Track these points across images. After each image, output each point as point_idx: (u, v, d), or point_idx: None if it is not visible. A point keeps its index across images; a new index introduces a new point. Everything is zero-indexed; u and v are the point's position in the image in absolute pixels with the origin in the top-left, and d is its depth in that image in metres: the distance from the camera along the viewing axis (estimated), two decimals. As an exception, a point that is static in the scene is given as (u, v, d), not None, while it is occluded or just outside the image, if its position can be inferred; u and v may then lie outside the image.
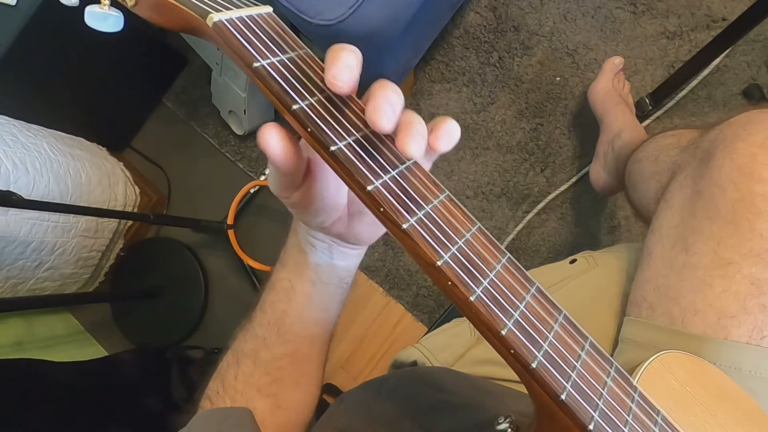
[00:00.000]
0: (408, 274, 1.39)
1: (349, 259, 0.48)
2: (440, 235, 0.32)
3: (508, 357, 0.31)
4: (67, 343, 1.51)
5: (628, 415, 0.34)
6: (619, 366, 0.35)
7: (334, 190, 0.40)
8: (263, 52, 0.34)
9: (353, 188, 0.33)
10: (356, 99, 0.36)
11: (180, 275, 1.54)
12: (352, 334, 1.40)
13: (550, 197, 1.32)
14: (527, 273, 0.34)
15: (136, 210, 1.52)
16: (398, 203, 0.32)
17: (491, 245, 0.33)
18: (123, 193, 1.47)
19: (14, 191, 1.00)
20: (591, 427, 0.31)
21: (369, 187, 0.32)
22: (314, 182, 0.39)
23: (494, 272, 0.32)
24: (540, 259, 1.33)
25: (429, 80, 1.39)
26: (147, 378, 1.39)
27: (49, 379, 1.19)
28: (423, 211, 0.32)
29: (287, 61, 0.35)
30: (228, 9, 0.35)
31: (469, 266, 0.32)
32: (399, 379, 0.62)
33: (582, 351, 0.33)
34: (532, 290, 0.33)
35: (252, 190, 1.49)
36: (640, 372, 0.42)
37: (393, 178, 0.33)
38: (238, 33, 0.34)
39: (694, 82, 1.23)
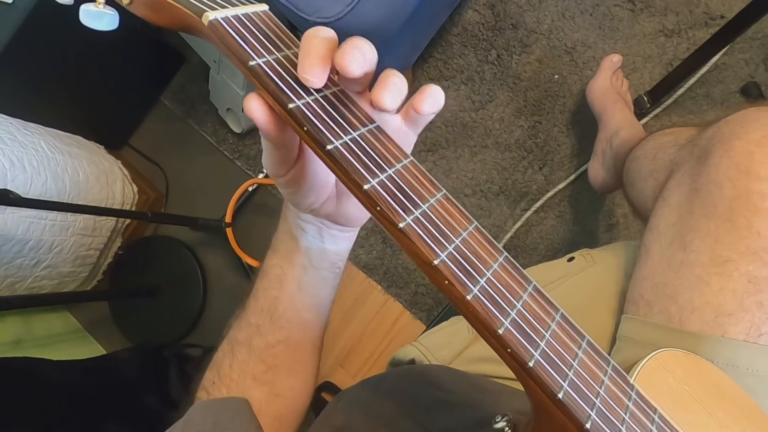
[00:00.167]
0: (406, 272, 1.39)
1: (339, 242, 0.48)
2: (437, 234, 0.32)
3: (505, 356, 0.31)
4: (65, 342, 1.51)
5: (626, 414, 0.34)
6: (616, 364, 0.35)
7: (326, 168, 0.41)
8: (259, 50, 0.34)
9: (350, 187, 0.32)
10: (353, 98, 0.36)
11: (178, 273, 1.54)
12: (351, 331, 1.41)
13: (548, 195, 1.32)
14: (524, 272, 0.34)
15: (134, 208, 1.52)
16: (395, 202, 0.32)
17: (488, 244, 0.33)
18: (121, 191, 1.47)
19: (11, 189, 1.00)
20: (588, 425, 0.31)
21: (366, 186, 0.32)
22: (307, 161, 0.40)
23: (491, 271, 0.32)
24: (538, 257, 1.33)
25: (427, 78, 1.39)
26: (145, 376, 1.38)
27: (47, 378, 1.19)
28: (420, 210, 0.32)
29: (283, 60, 0.34)
30: (224, 7, 0.35)
31: (466, 265, 0.32)
32: (397, 377, 0.62)
33: (579, 350, 0.33)
34: (529, 289, 0.33)
35: (250, 188, 1.49)
36: (638, 370, 0.42)
37: (390, 177, 0.33)
38: (234, 31, 0.34)
39: (693, 80, 1.23)
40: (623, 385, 0.35)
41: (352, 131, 0.33)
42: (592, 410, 0.32)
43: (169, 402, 1.35)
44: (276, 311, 0.50)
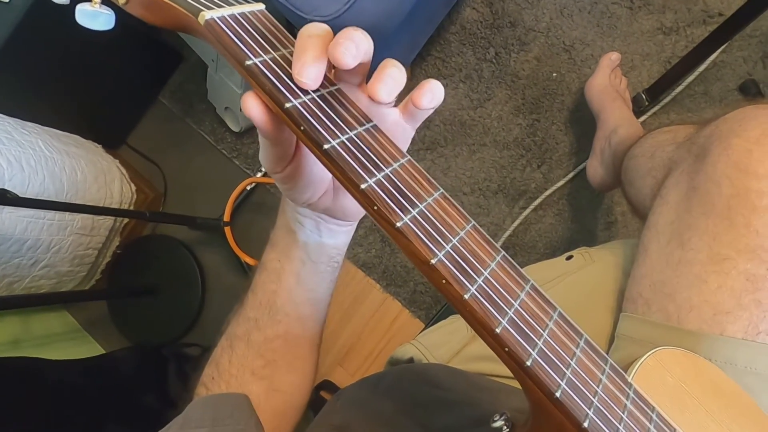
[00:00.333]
0: (405, 271, 1.39)
1: (337, 236, 0.48)
2: (434, 233, 0.32)
3: (503, 355, 0.31)
4: (63, 341, 1.51)
5: (623, 412, 0.34)
6: (614, 363, 0.35)
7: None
8: (255, 49, 0.34)
9: (347, 187, 0.32)
10: (350, 97, 0.36)
11: (176, 273, 1.54)
12: (350, 330, 1.41)
13: (546, 193, 1.32)
14: (522, 271, 0.34)
15: (132, 207, 1.52)
16: (392, 201, 0.32)
17: (486, 243, 0.33)
18: (119, 190, 1.47)
19: (9, 189, 1.00)
20: (586, 424, 0.31)
21: (362, 186, 0.32)
22: (303, 157, 0.40)
23: (489, 270, 0.32)
24: (536, 256, 1.33)
25: (425, 76, 1.38)
26: (144, 375, 1.38)
27: (45, 377, 1.19)
28: (417, 209, 0.32)
29: (279, 59, 0.34)
30: (220, 6, 0.35)
31: (464, 264, 0.32)
32: (396, 376, 0.62)
33: (577, 348, 0.33)
34: (527, 288, 0.33)
35: (248, 187, 1.48)
36: (636, 368, 0.42)
37: (387, 176, 0.33)
38: (230, 31, 0.34)
39: (691, 78, 1.23)
40: (621, 383, 0.35)
41: (348, 130, 0.33)
42: (589, 409, 0.32)
43: (168, 401, 1.35)
44: (274, 305, 0.50)
